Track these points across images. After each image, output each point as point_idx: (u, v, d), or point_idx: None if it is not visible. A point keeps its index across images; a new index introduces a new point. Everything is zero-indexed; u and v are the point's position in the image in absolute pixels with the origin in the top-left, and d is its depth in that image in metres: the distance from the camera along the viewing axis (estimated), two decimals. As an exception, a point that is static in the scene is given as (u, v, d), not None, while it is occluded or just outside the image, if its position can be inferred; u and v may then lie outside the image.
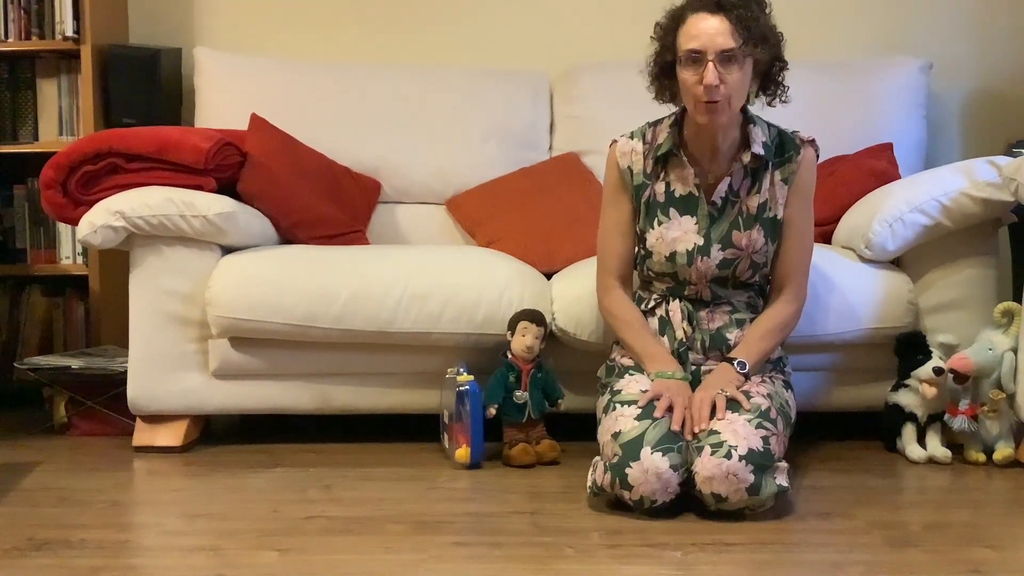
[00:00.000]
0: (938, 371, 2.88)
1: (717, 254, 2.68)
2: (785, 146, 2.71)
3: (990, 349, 2.86)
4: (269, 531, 2.38)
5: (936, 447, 2.90)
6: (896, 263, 3.08)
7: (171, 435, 3.09)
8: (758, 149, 2.66)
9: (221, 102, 3.66)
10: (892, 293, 2.99)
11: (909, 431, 2.92)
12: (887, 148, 3.51)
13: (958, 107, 3.93)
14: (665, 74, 2.66)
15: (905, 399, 2.93)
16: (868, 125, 3.61)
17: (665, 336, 2.72)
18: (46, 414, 3.36)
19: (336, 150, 3.62)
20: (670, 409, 2.50)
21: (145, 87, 3.69)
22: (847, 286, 2.98)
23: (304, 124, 3.59)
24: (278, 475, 2.84)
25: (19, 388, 3.60)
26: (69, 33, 3.65)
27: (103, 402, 3.27)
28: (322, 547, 2.28)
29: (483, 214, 3.56)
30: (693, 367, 2.68)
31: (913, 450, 2.90)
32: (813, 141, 2.73)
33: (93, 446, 3.16)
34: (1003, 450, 2.84)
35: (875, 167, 3.37)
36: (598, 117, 3.67)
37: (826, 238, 3.26)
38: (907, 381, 2.94)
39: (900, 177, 3.33)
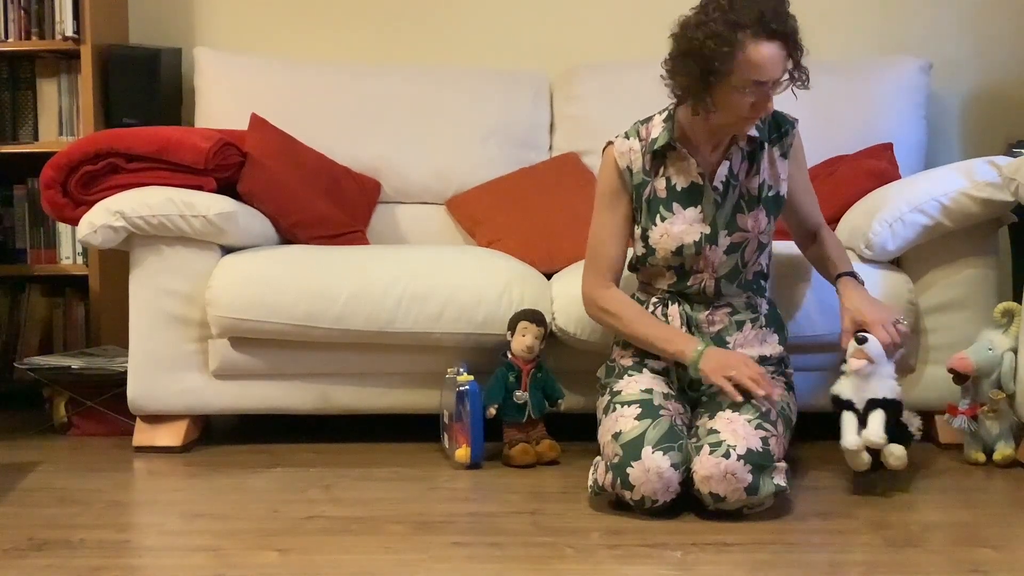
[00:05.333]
0: (861, 339, 2.59)
1: (724, 240, 2.66)
2: (780, 123, 2.72)
3: (990, 349, 2.85)
4: (269, 531, 2.38)
5: (873, 431, 2.53)
6: (896, 263, 3.08)
7: (171, 435, 3.09)
8: (754, 132, 2.67)
9: (221, 102, 3.66)
10: (892, 293, 2.99)
11: (847, 419, 2.58)
12: (887, 148, 3.50)
13: (958, 107, 3.93)
14: (704, 87, 2.52)
15: (839, 387, 2.63)
16: (868, 125, 3.60)
17: None
18: (46, 414, 3.36)
19: (336, 150, 3.61)
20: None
21: (145, 87, 3.68)
22: (847, 286, 2.98)
23: (304, 124, 3.58)
24: (278, 475, 2.84)
25: (19, 388, 3.60)
26: (69, 33, 3.65)
27: (103, 402, 3.27)
28: (322, 547, 2.28)
29: (483, 214, 3.56)
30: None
31: (849, 439, 2.55)
32: (795, 121, 2.77)
33: (93, 446, 3.16)
34: (1003, 450, 2.84)
35: (875, 167, 3.37)
36: (598, 117, 3.66)
37: (826, 238, 3.26)
38: (843, 367, 2.66)
39: (900, 177, 3.33)
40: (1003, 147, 3.61)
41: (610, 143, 2.75)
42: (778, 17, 2.48)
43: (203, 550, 2.27)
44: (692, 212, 2.67)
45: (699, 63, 2.50)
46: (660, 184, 2.69)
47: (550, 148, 3.77)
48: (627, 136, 2.73)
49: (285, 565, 2.18)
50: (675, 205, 2.68)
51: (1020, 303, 2.87)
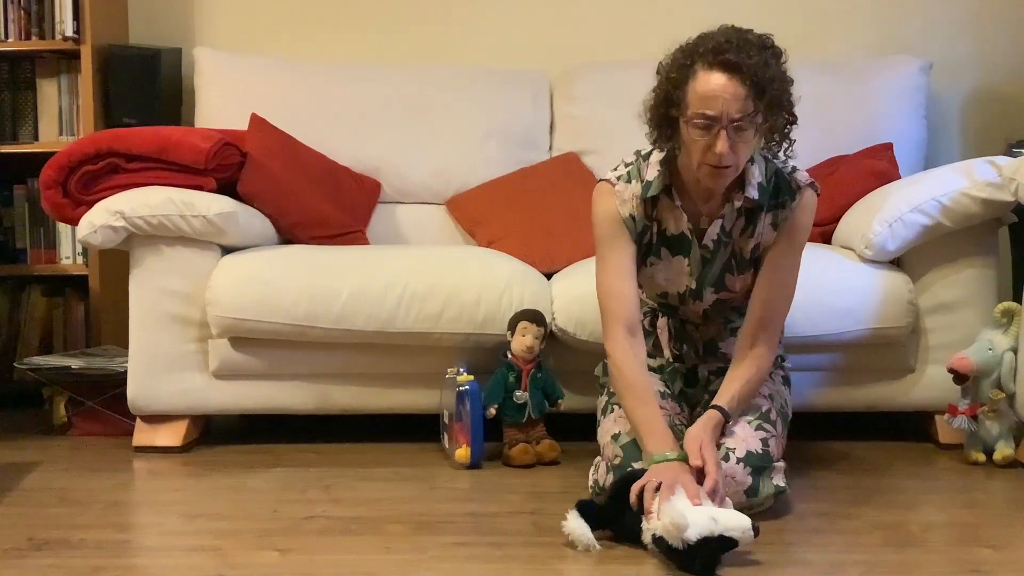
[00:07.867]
0: None
1: (710, 296, 2.61)
2: (780, 190, 2.52)
3: (990, 349, 2.86)
4: (269, 531, 2.38)
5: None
6: (896, 263, 3.08)
7: (171, 435, 3.09)
8: (752, 192, 2.48)
9: (221, 102, 3.66)
10: (892, 293, 2.99)
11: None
12: (887, 148, 3.50)
13: (958, 107, 3.93)
14: (668, 124, 2.45)
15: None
16: (868, 125, 3.61)
17: (649, 341, 2.69)
18: (46, 414, 3.36)
19: (336, 150, 3.62)
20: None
21: (145, 87, 3.69)
22: (847, 286, 2.98)
23: (304, 124, 3.59)
24: (278, 475, 2.84)
25: (19, 388, 3.60)
26: (69, 33, 3.65)
27: (103, 402, 3.27)
28: (322, 547, 2.28)
29: (483, 214, 3.56)
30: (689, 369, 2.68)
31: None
32: (813, 183, 2.55)
33: (93, 446, 3.16)
34: (1003, 450, 2.84)
35: (875, 167, 3.37)
36: (598, 117, 3.67)
37: (826, 238, 3.26)
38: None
39: (900, 177, 3.33)
40: (1003, 147, 3.61)
41: (607, 182, 2.58)
42: (739, 50, 2.31)
43: (203, 550, 2.27)
44: (679, 262, 2.57)
45: (662, 94, 2.43)
46: (653, 227, 2.58)
47: (550, 148, 3.77)
48: (628, 179, 2.56)
49: (285, 565, 2.18)
50: (663, 251, 2.58)
51: (1020, 303, 2.88)
